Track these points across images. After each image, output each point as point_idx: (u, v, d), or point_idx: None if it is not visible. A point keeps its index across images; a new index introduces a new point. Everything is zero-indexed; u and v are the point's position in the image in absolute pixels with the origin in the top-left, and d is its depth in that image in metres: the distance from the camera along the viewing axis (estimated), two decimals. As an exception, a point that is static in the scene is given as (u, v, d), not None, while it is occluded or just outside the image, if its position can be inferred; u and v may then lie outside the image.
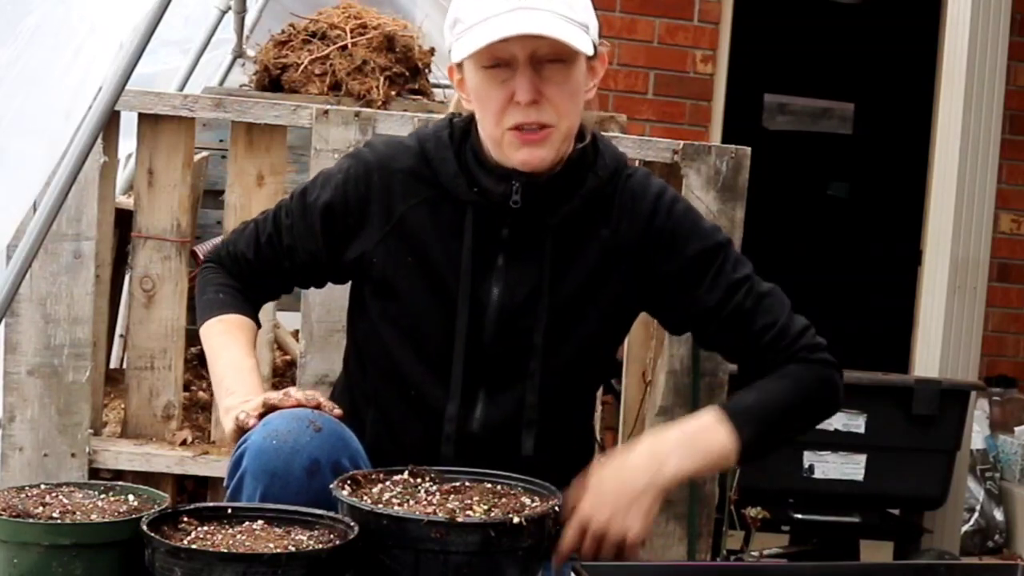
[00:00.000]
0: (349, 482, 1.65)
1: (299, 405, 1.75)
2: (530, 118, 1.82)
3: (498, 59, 1.81)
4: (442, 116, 2.04)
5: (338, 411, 1.79)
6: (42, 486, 1.70)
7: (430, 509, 1.57)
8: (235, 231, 2.13)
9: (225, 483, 1.78)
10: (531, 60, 1.80)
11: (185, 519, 1.55)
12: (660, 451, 1.82)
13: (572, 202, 1.91)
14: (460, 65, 1.89)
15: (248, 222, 2.10)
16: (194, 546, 1.46)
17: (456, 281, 1.90)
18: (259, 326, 2.08)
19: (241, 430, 1.75)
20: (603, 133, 2.48)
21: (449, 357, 1.90)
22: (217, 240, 2.90)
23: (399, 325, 1.93)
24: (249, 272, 2.05)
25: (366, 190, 1.94)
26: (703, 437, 1.84)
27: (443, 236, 1.91)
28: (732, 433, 1.83)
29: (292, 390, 1.78)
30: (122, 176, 3.34)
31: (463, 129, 1.94)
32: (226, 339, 1.97)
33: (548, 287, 1.91)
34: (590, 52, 1.83)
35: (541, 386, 1.92)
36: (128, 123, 2.70)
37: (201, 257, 3.15)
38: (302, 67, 3.32)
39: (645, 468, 1.80)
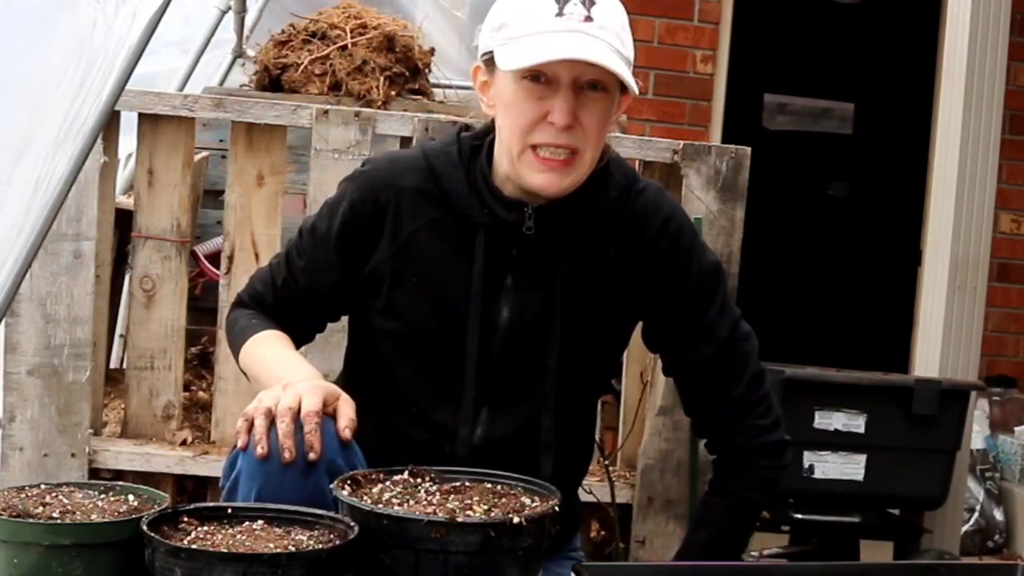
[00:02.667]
0: (349, 482, 1.65)
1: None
2: (560, 141, 1.79)
3: (541, 75, 1.78)
4: (442, 117, 2.02)
5: (348, 435, 1.72)
6: (42, 486, 1.70)
7: (430, 509, 1.57)
8: (253, 276, 2.09)
9: (221, 483, 1.77)
10: (573, 84, 1.78)
11: (185, 519, 1.55)
12: None
13: (583, 225, 1.90)
14: (489, 67, 1.85)
15: (264, 267, 2.08)
16: (194, 546, 1.46)
17: (464, 301, 1.88)
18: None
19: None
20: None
21: (453, 375, 1.89)
22: (218, 239, 2.91)
23: (402, 341, 1.92)
24: (272, 313, 2.01)
25: (374, 210, 1.91)
26: None
27: (451, 256, 1.89)
28: None
29: (293, 396, 1.69)
30: (122, 176, 3.35)
31: (472, 147, 1.91)
32: (264, 348, 1.93)
33: (560, 309, 1.90)
34: (636, 91, 1.81)
35: (554, 407, 1.92)
36: (128, 123, 2.71)
37: (201, 257, 3.16)
38: (302, 67, 3.33)
39: None
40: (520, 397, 1.92)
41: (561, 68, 1.77)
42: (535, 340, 1.90)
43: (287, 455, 1.63)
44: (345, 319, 2.10)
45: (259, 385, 1.89)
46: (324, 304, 2.00)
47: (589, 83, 1.79)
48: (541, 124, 1.79)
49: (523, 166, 1.82)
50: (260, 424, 1.65)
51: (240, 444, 1.67)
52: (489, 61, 1.84)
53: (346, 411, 1.72)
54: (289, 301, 2.00)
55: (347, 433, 1.71)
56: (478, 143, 1.91)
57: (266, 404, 1.67)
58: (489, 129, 1.93)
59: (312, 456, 1.65)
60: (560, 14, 1.76)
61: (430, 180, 1.90)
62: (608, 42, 1.77)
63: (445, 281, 1.89)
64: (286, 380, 1.74)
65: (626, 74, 1.78)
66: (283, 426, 1.65)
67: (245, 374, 2.00)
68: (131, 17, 1.46)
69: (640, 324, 2.05)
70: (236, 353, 1.99)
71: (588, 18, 1.77)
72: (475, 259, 1.88)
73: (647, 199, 1.95)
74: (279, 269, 2.01)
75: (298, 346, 2.03)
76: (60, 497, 1.65)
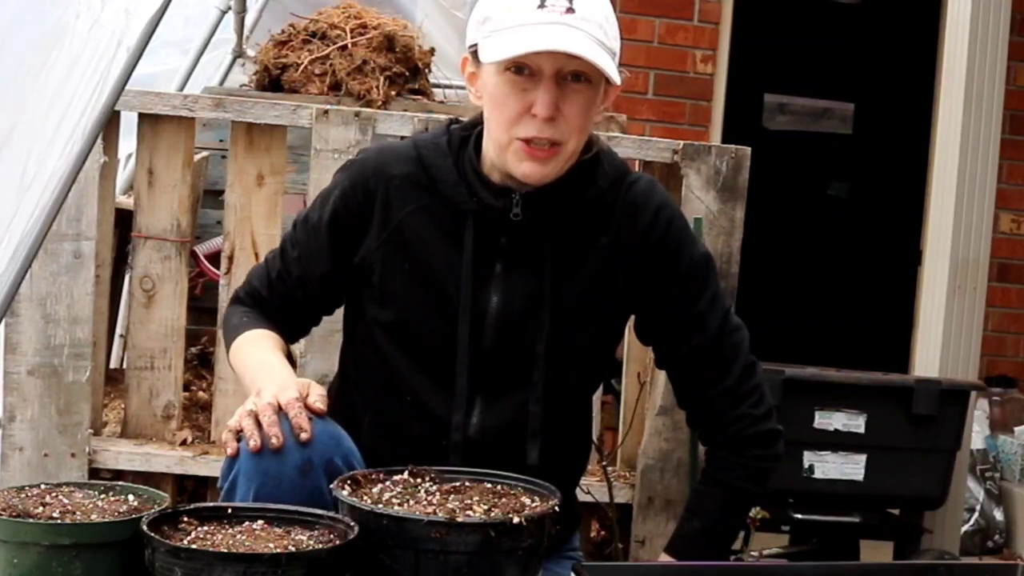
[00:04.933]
0: (349, 482, 1.65)
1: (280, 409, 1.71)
2: (544, 133, 1.81)
3: (524, 67, 1.80)
4: (442, 117, 2.03)
5: (320, 406, 1.75)
6: (42, 486, 1.70)
7: (430, 509, 1.57)
8: (250, 272, 2.12)
9: (219, 484, 1.77)
10: (556, 76, 1.79)
11: (185, 519, 1.55)
12: None
13: (571, 213, 1.91)
14: (476, 58, 1.87)
15: (260, 263, 2.10)
16: (194, 546, 1.46)
17: (454, 288, 1.90)
18: (288, 345, 2.04)
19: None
20: (603, 134, 2.49)
21: (447, 363, 1.91)
22: (218, 239, 2.91)
23: (395, 330, 1.93)
24: (267, 308, 2.03)
25: (364, 197, 1.93)
26: None
27: (441, 243, 1.91)
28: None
29: (271, 395, 1.73)
30: (122, 176, 3.35)
31: (461, 137, 1.94)
32: (251, 348, 1.95)
33: (550, 296, 1.91)
34: (618, 81, 1.82)
35: (544, 395, 1.92)
36: (128, 123, 2.71)
37: (201, 257, 3.16)
38: (302, 67, 3.33)
39: None
40: (513, 385, 1.93)
41: (543, 60, 1.78)
42: (525, 327, 1.91)
43: (275, 441, 1.66)
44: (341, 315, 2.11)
45: (243, 386, 1.93)
46: (317, 295, 2.02)
47: (572, 74, 1.80)
48: (525, 117, 1.81)
49: (509, 156, 1.85)
50: (248, 424, 1.68)
51: (230, 452, 1.69)
52: (476, 53, 1.86)
53: (315, 390, 1.76)
54: (284, 294, 2.01)
55: (319, 405, 1.73)
56: (466, 133, 1.94)
57: (247, 408, 1.71)
58: (478, 121, 1.95)
59: (304, 436, 1.67)
60: (542, 6, 1.78)
61: (420, 169, 1.92)
62: (590, 33, 1.78)
63: (435, 268, 1.91)
64: (261, 388, 1.77)
65: (607, 65, 1.79)
66: (266, 418, 1.68)
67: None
68: (124, 13, 1.46)
69: (633, 318, 2.06)
70: (227, 350, 2.02)
71: (570, 10, 1.78)
72: (464, 246, 1.89)
73: (639, 190, 1.97)
74: (274, 262, 2.03)
75: (295, 339, 2.07)
76: (60, 497, 1.65)
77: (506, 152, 1.84)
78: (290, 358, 2.03)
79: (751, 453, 2.01)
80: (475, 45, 1.86)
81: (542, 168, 1.83)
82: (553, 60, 1.78)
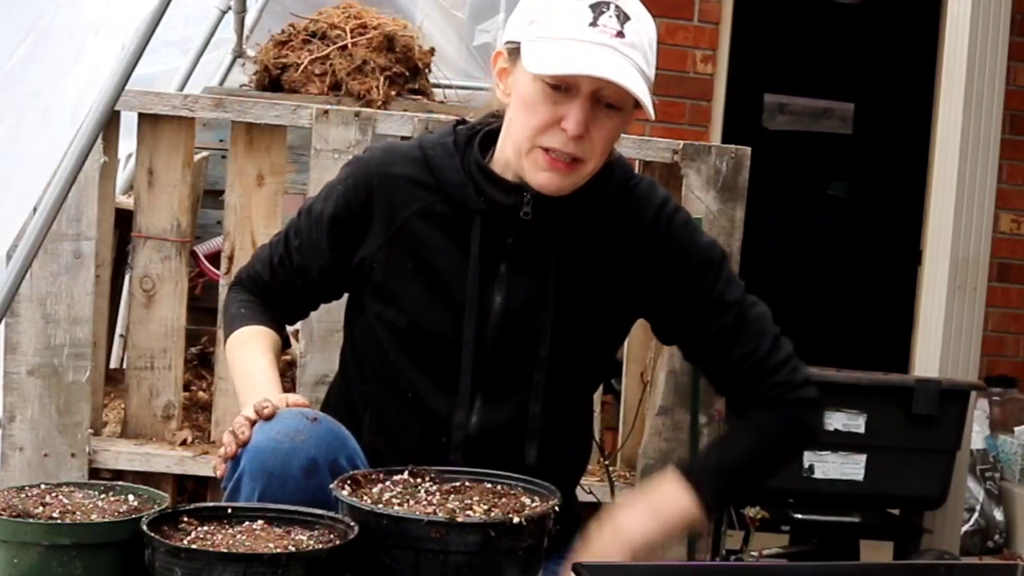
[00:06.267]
0: (349, 482, 1.65)
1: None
2: (568, 149, 1.80)
3: (563, 82, 1.78)
4: (442, 117, 2.03)
5: (302, 401, 1.82)
6: (42, 486, 1.70)
7: (430, 509, 1.57)
8: (255, 253, 2.14)
9: (223, 484, 1.78)
10: (591, 95, 1.79)
11: (185, 519, 1.55)
12: (625, 530, 1.87)
13: (581, 216, 1.91)
14: (512, 57, 1.85)
15: (266, 244, 2.12)
16: (194, 546, 1.46)
17: (458, 287, 1.90)
18: (284, 338, 2.08)
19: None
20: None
21: (447, 361, 1.91)
22: (218, 239, 2.91)
23: (397, 328, 1.93)
24: (268, 292, 2.05)
25: (366, 196, 1.93)
26: (665, 507, 1.90)
27: (446, 243, 1.91)
28: (694, 497, 1.89)
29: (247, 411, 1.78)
30: (122, 176, 3.35)
31: (467, 137, 1.93)
32: (241, 351, 1.98)
33: (553, 298, 1.91)
34: (653, 116, 1.81)
35: (545, 396, 1.92)
36: (128, 123, 2.71)
37: (201, 257, 3.16)
38: (302, 67, 3.33)
39: (615, 552, 1.84)
40: (513, 385, 1.92)
41: (583, 79, 1.77)
42: (527, 328, 1.91)
43: (254, 415, 1.72)
44: (343, 317, 2.11)
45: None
46: (315, 284, 2.03)
47: (607, 100, 1.79)
48: (553, 128, 1.80)
49: (528, 163, 1.84)
50: (227, 438, 1.74)
51: (219, 474, 1.75)
52: (514, 51, 1.84)
53: (293, 396, 1.82)
54: (284, 280, 2.03)
55: (301, 400, 1.80)
56: (472, 133, 1.93)
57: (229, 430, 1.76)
58: (484, 121, 1.95)
59: (267, 411, 1.72)
60: (594, 24, 1.76)
61: (424, 169, 1.92)
62: (635, 61, 1.78)
63: (440, 267, 1.91)
64: (241, 405, 1.83)
65: (647, 98, 1.78)
66: (237, 425, 1.73)
67: None
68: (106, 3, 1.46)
69: (649, 323, 2.05)
70: (224, 338, 2.05)
71: (620, 33, 1.77)
72: (471, 246, 1.89)
73: (641, 191, 1.97)
74: (277, 247, 2.05)
75: (294, 322, 2.14)
76: (60, 497, 1.65)
77: (525, 158, 1.84)
78: (286, 343, 2.07)
79: (792, 416, 1.96)
80: (516, 43, 1.83)
81: (560, 181, 1.83)
82: (593, 81, 1.77)
